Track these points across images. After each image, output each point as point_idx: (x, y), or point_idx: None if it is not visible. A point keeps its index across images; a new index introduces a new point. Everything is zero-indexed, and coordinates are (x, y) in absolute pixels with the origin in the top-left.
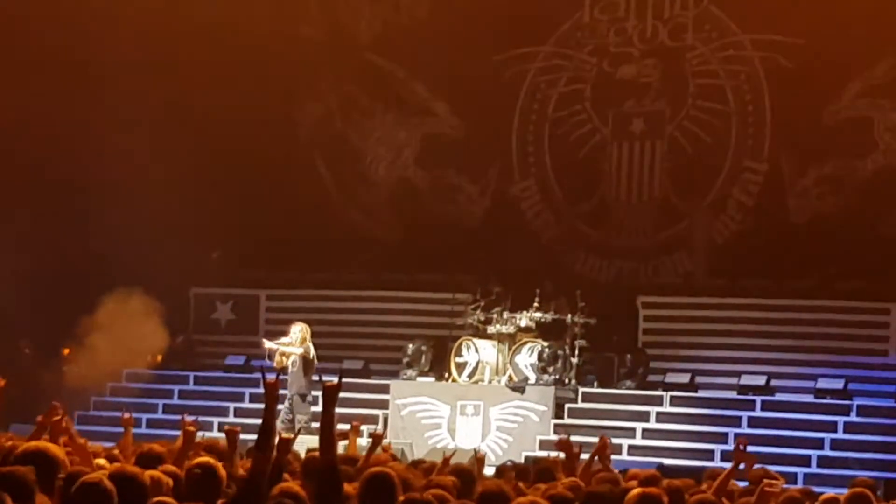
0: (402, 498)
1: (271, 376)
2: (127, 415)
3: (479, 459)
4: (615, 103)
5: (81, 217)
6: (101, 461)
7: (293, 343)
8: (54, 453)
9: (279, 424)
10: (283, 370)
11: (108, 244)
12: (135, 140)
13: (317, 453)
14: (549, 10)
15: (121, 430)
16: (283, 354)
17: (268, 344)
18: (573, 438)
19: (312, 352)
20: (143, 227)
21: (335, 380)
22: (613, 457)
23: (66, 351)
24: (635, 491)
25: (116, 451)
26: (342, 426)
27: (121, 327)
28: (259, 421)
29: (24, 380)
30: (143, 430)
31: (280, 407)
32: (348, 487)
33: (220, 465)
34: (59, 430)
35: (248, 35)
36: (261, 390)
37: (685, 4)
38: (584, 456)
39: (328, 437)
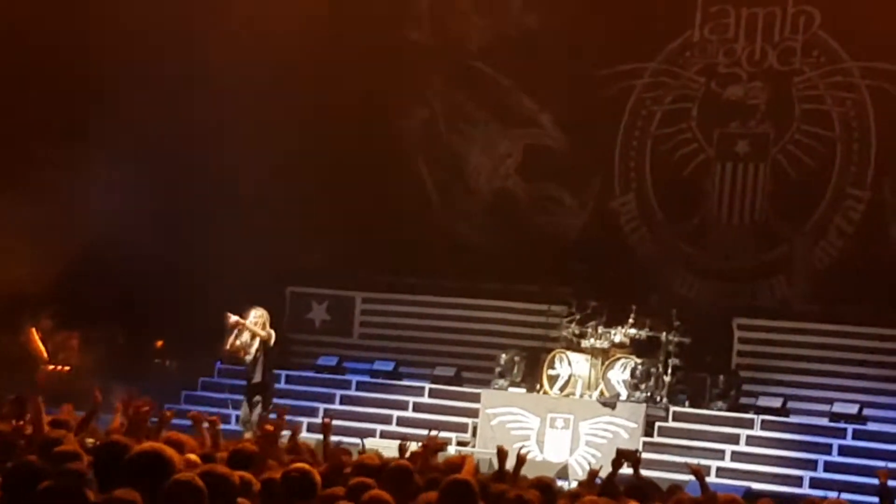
0: None
1: None
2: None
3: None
4: (720, 123)
5: (185, 218)
6: (194, 457)
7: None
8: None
9: (253, 417)
10: (240, 362)
11: (209, 241)
12: (238, 139)
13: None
14: (659, 28)
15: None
16: (240, 349)
17: (234, 318)
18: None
19: (273, 338)
20: (243, 224)
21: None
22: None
23: (160, 343)
24: None
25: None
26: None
27: None
28: (347, 423)
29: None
30: (232, 426)
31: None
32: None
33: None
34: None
35: (356, 37)
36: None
37: (795, 29)
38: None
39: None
